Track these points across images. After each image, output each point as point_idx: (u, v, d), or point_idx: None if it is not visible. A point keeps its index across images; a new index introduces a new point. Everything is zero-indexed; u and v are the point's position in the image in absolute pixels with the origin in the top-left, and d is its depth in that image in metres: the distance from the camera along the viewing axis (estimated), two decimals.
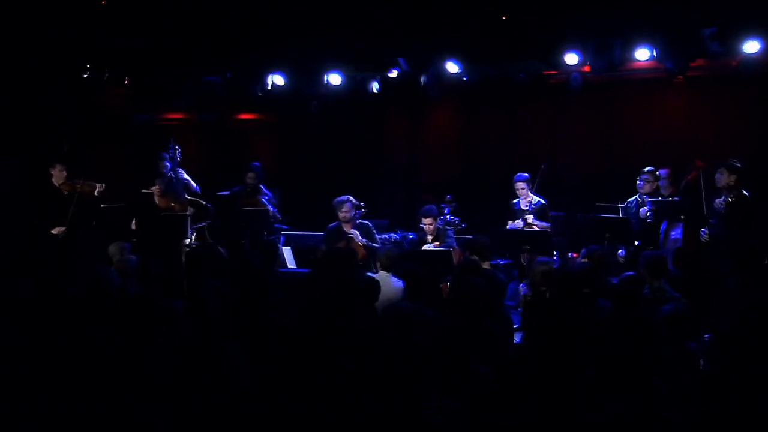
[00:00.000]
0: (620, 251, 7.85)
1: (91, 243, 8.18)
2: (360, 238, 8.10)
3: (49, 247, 7.80)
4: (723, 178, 7.51)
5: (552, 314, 4.39)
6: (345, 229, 8.20)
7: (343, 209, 8.16)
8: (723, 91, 9.36)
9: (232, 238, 8.44)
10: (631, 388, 3.74)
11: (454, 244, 8.13)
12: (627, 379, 3.80)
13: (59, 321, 4.23)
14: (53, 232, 8.25)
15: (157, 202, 8.77)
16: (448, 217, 8.47)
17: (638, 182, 8.21)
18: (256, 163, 9.31)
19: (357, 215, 8.23)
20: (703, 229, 7.46)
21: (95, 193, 8.38)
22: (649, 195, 8.13)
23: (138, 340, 4.00)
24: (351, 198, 8.22)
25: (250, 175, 9.10)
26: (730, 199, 7.38)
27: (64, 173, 8.50)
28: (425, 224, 8.23)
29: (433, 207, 8.34)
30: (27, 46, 8.91)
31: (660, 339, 4.36)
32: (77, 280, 5.36)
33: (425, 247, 8.09)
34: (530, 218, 8.32)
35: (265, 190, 9.23)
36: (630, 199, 8.31)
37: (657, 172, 8.23)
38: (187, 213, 8.63)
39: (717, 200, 7.51)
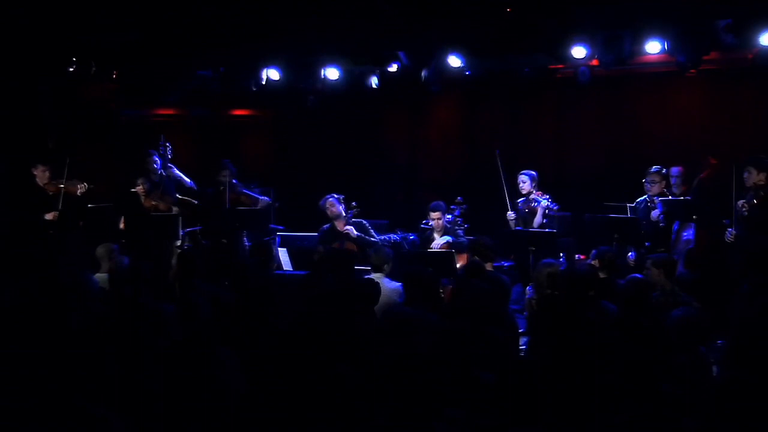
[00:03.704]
0: (630, 254, 7.86)
1: (78, 244, 8.21)
2: (355, 233, 8.23)
3: (36, 248, 7.84)
4: (752, 177, 7.38)
5: (558, 318, 4.41)
6: (339, 227, 8.30)
7: (327, 205, 8.39)
8: (738, 86, 9.34)
9: (214, 237, 8.55)
10: (640, 395, 3.75)
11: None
12: (636, 385, 3.81)
13: (46, 325, 4.25)
14: (47, 217, 8.35)
15: (143, 202, 8.80)
16: (457, 218, 8.50)
17: (645, 184, 8.21)
18: (227, 160, 9.36)
19: (350, 215, 8.32)
20: (729, 229, 7.42)
21: (78, 193, 8.42)
22: (658, 196, 8.12)
23: (129, 343, 4.02)
24: (334, 195, 8.44)
25: (224, 172, 9.13)
26: (755, 201, 7.29)
27: (47, 174, 8.57)
28: (433, 218, 8.29)
29: (442, 202, 8.40)
30: (11, 40, 8.92)
31: (670, 344, 4.37)
32: (65, 282, 5.39)
33: (435, 242, 8.15)
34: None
35: (238, 185, 9.23)
36: (639, 199, 8.31)
37: (663, 171, 8.22)
38: (174, 213, 8.67)
39: (739, 202, 7.44)
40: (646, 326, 4.46)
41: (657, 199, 8.08)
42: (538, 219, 8.39)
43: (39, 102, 9.91)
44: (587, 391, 3.67)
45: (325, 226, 8.47)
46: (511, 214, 8.51)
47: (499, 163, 8.61)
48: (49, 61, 9.55)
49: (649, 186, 8.19)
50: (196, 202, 9.13)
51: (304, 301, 5.69)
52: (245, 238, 9.12)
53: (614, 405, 3.65)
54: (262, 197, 9.26)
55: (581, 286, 5.32)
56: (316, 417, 3.33)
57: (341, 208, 8.37)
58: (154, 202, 8.73)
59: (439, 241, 8.19)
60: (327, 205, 8.40)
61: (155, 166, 9.01)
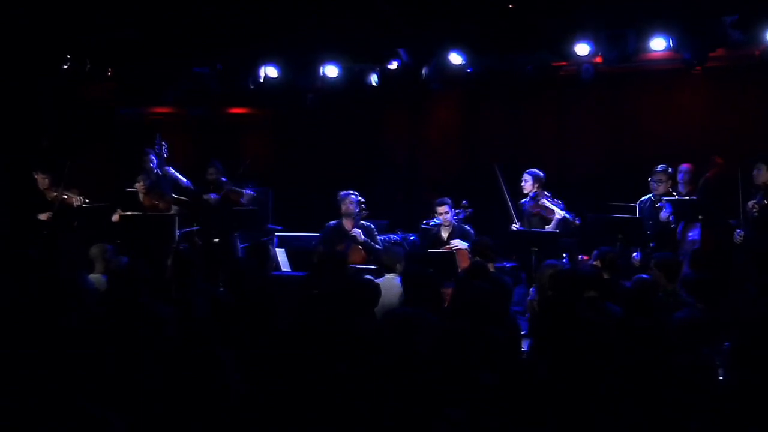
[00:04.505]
0: (635, 254, 7.87)
1: (72, 244, 8.26)
2: (362, 237, 8.20)
3: (33, 248, 7.92)
4: (761, 175, 7.40)
5: (558, 319, 4.43)
6: (346, 226, 8.30)
7: (346, 201, 8.34)
8: (745, 83, 9.34)
9: (206, 237, 8.59)
10: (642, 397, 3.78)
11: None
12: (638, 387, 3.83)
13: (43, 326, 4.28)
14: (41, 217, 8.57)
15: (141, 200, 8.84)
16: (461, 221, 8.52)
17: (651, 183, 8.21)
18: (215, 159, 9.43)
19: (358, 217, 8.32)
20: (738, 230, 7.44)
21: (74, 205, 8.60)
22: (664, 195, 8.13)
23: (125, 344, 4.04)
24: (356, 193, 8.40)
25: (210, 170, 9.21)
26: (765, 201, 7.30)
27: (47, 181, 8.80)
28: (440, 213, 8.30)
29: (448, 198, 8.41)
30: (9, 38, 8.96)
31: (672, 345, 4.39)
32: (60, 282, 5.43)
33: (454, 243, 8.15)
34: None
35: (226, 182, 9.29)
36: (643, 198, 8.32)
37: (670, 170, 8.22)
38: (173, 212, 8.71)
39: (749, 202, 7.45)
40: (648, 327, 4.48)
41: (664, 199, 8.08)
42: (551, 227, 8.33)
43: (39, 101, 9.98)
44: (589, 394, 3.70)
45: (331, 222, 8.43)
46: (516, 226, 8.48)
47: (500, 177, 8.58)
48: (47, 60, 9.58)
49: (655, 185, 8.19)
50: (191, 201, 9.15)
51: (303, 302, 5.72)
52: (238, 239, 9.15)
53: (616, 407, 3.67)
54: (247, 190, 9.27)
55: (576, 287, 5.34)
56: (316, 417, 3.35)
57: (356, 210, 8.36)
58: (155, 201, 8.77)
59: (458, 244, 8.14)
60: (346, 201, 8.34)
61: (151, 165, 9.05)
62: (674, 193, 8.17)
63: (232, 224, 8.97)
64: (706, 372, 4.26)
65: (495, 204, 8.87)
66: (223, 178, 9.22)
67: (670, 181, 8.20)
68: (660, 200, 8.16)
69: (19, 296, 5.00)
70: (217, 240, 8.76)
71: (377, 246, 8.29)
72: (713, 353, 4.48)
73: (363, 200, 8.42)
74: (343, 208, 8.36)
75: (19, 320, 4.34)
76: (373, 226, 8.47)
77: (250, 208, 9.13)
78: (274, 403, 3.45)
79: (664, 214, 8.05)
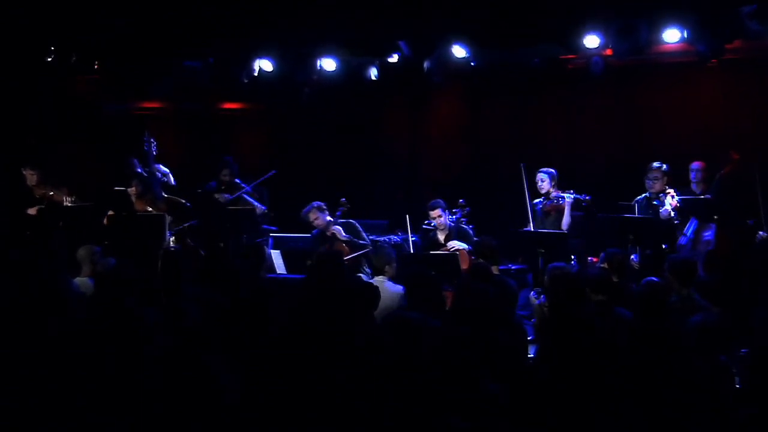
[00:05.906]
0: (633, 256, 7.82)
1: (58, 245, 8.26)
2: (343, 234, 8.28)
3: (18, 250, 7.94)
4: None
5: (562, 323, 4.41)
6: (327, 232, 8.45)
7: (310, 218, 8.50)
8: (763, 76, 9.30)
9: (210, 239, 8.57)
10: (656, 405, 3.76)
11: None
12: (651, 394, 3.82)
13: (28, 329, 4.28)
14: (30, 212, 8.74)
15: (135, 203, 8.83)
16: (459, 220, 8.50)
17: (646, 181, 8.20)
18: (228, 157, 9.42)
19: (338, 214, 8.44)
20: (761, 232, 7.43)
21: (63, 203, 8.71)
22: (661, 193, 8.10)
23: (114, 350, 4.03)
24: (313, 204, 8.52)
25: (225, 171, 9.24)
26: None
27: (36, 177, 8.95)
28: (433, 217, 8.30)
29: (440, 200, 8.40)
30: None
31: (687, 351, 4.37)
32: (44, 286, 5.41)
33: (450, 244, 8.13)
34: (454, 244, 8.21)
35: (242, 183, 9.30)
36: (638, 198, 8.30)
37: (664, 167, 8.19)
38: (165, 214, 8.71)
39: None
40: (659, 332, 4.46)
41: (676, 197, 8.04)
42: (566, 219, 8.29)
43: (38, 99, 10.04)
44: (596, 400, 3.68)
45: (315, 230, 8.60)
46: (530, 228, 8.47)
47: (525, 178, 8.50)
48: (35, 55, 9.59)
49: (650, 183, 8.19)
50: (184, 201, 9.13)
51: (303, 303, 5.72)
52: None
53: (625, 414, 3.66)
54: (259, 204, 9.26)
55: (573, 288, 5.33)
56: (315, 418, 3.36)
57: (326, 218, 8.44)
58: (147, 206, 8.77)
59: (456, 245, 8.11)
60: (310, 219, 8.49)
61: (137, 170, 9.05)
62: (669, 191, 8.10)
63: (228, 224, 8.95)
64: (722, 378, 4.24)
65: (497, 204, 8.83)
66: (237, 179, 9.23)
67: (665, 178, 8.18)
68: (656, 198, 8.14)
69: (8, 297, 5.00)
70: (222, 244, 8.77)
71: (363, 242, 8.41)
72: (730, 360, 4.46)
73: (324, 204, 8.50)
74: (314, 224, 8.49)
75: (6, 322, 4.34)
76: (354, 222, 8.55)
77: (248, 207, 9.11)
78: (273, 404, 3.45)
79: (664, 212, 8.01)
